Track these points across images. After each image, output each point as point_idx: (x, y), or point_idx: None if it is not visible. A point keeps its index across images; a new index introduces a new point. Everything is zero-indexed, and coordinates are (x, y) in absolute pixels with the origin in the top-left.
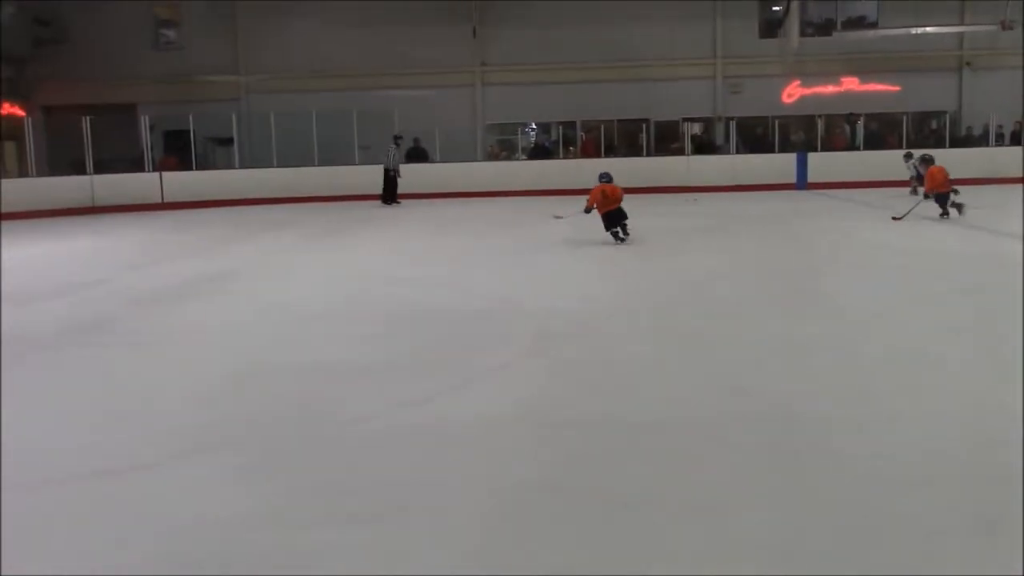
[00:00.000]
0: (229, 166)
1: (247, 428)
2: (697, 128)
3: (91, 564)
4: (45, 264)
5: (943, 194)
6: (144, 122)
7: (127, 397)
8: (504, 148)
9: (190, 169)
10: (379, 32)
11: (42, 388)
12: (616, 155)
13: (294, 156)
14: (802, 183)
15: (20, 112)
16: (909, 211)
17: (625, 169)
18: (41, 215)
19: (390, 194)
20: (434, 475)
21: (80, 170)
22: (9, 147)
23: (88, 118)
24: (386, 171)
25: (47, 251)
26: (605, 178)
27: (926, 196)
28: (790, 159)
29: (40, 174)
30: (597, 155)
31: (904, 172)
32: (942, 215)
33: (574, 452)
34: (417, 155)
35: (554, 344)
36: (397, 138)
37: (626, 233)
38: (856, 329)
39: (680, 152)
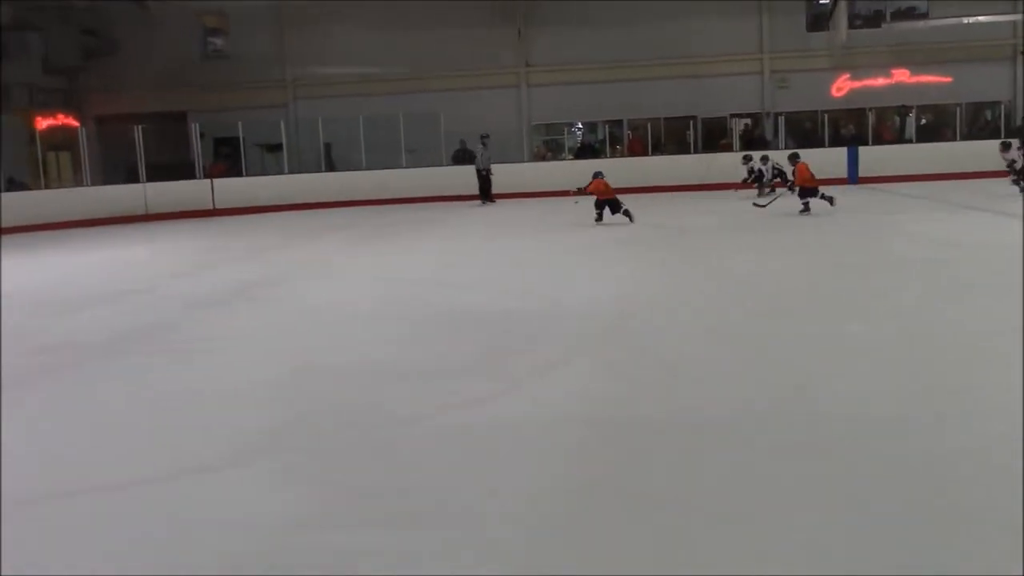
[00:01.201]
0: (278, 172)
1: (297, 431)
2: (745, 124)
3: (148, 565)
4: (100, 271)
5: (810, 189)
6: (194, 130)
7: (179, 401)
8: (551, 148)
9: (240, 175)
10: (424, 35)
11: (96, 394)
12: (663, 152)
13: (341, 160)
14: (853, 178)
15: (74, 123)
16: (770, 201)
17: (673, 166)
18: (96, 223)
19: (485, 193)
20: (485, 477)
21: (133, 178)
22: (64, 157)
23: (140, 127)
24: (478, 171)
25: (101, 258)
26: (600, 174)
27: (791, 190)
28: (841, 153)
29: (94, 183)
30: (644, 153)
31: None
32: (802, 211)
33: (626, 453)
34: (464, 157)
35: (604, 343)
36: (484, 137)
37: (631, 216)
38: (915, 325)
39: (728, 148)
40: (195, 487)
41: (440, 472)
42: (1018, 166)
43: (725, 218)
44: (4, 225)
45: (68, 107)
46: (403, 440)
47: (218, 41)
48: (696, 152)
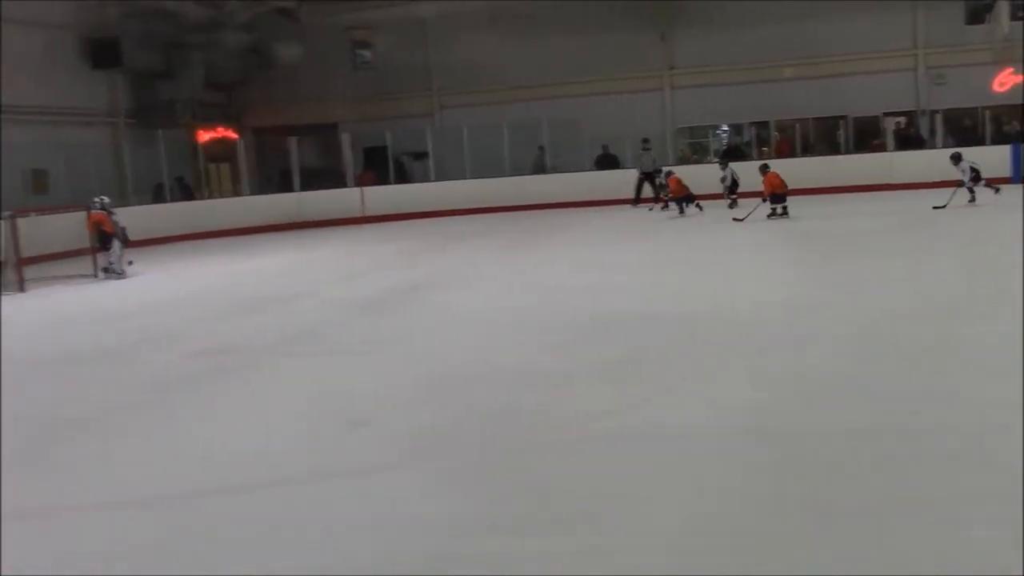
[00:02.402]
0: (424, 179)
1: (455, 434)
2: (898, 122)
3: (311, 564)
4: (258, 277)
5: (779, 195)
6: (345, 140)
7: (336, 404)
8: (695, 151)
9: (388, 183)
10: (566, 41)
11: (259, 395)
12: (812, 154)
13: (486, 168)
14: (1017, 176)
15: (233, 135)
16: (749, 213)
17: (823, 169)
18: (253, 231)
19: (654, 195)
20: (638, 483)
21: (287, 187)
22: (223, 169)
23: (294, 138)
24: (644, 174)
25: (258, 265)
26: (671, 173)
27: (763, 199)
28: (1004, 152)
29: (251, 192)
30: (792, 155)
31: None
32: (769, 215)
33: (786, 463)
34: (607, 162)
35: (756, 352)
36: (645, 141)
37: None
38: None
39: (882, 148)
40: (356, 487)
41: (597, 477)
42: None
43: (882, 219)
44: (173, 233)
45: (227, 121)
46: (560, 445)
47: (366, 54)
48: (847, 153)
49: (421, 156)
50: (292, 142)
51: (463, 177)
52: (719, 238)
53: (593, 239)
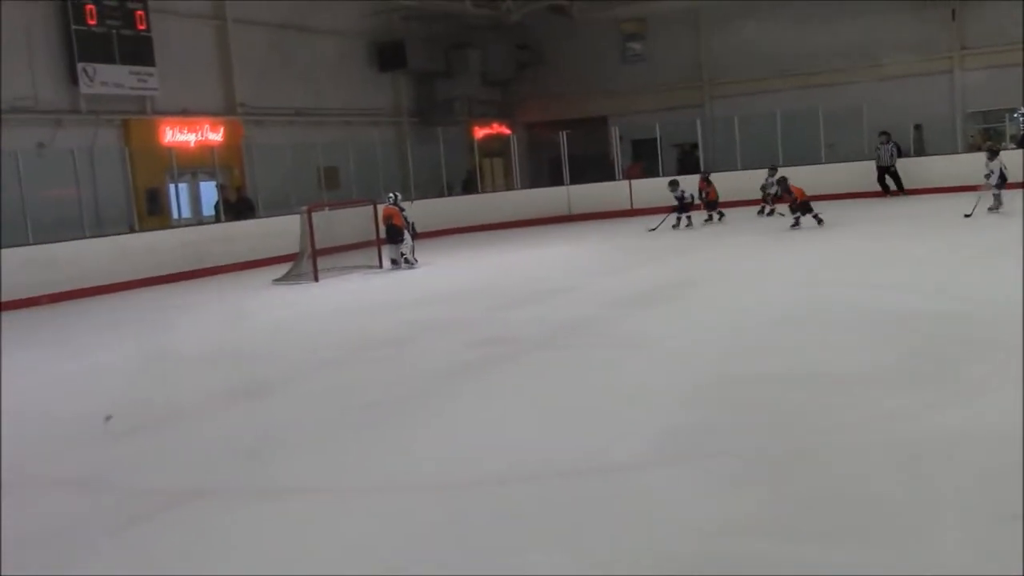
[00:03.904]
0: (695, 171)
1: (729, 434)
2: None
3: (584, 553)
4: (532, 269)
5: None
6: (614, 133)
7: (605, 397)
8: (989, 137)
9: (656, 176)
10: (845, 25)
11: (534, 386)
12: None
13: (758, 158)
14: None
15: (506, 131)
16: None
17: None
18: (525, 224)
19: (894, 187)
20: (923, 493)
21: (557, 181)
22: (497, 163)
23: (564, 132)
24: (883, 168)
25: (532, 257)
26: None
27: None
28: None
29: (523, 186)
30: None
31: None
32: (793, 226)
33: None
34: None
35: None
36: (883, 134)
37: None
38: None
39: None
40: (626, 482)
41: (884, 485)
42: None
43: None
44: (452, 226)
45: (501, 117)
46: (845, 448)
47: (637, 46)
48: None
49: (691, 148)
50: (562, 136)
51: (734, 168)
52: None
53: (870, 232)
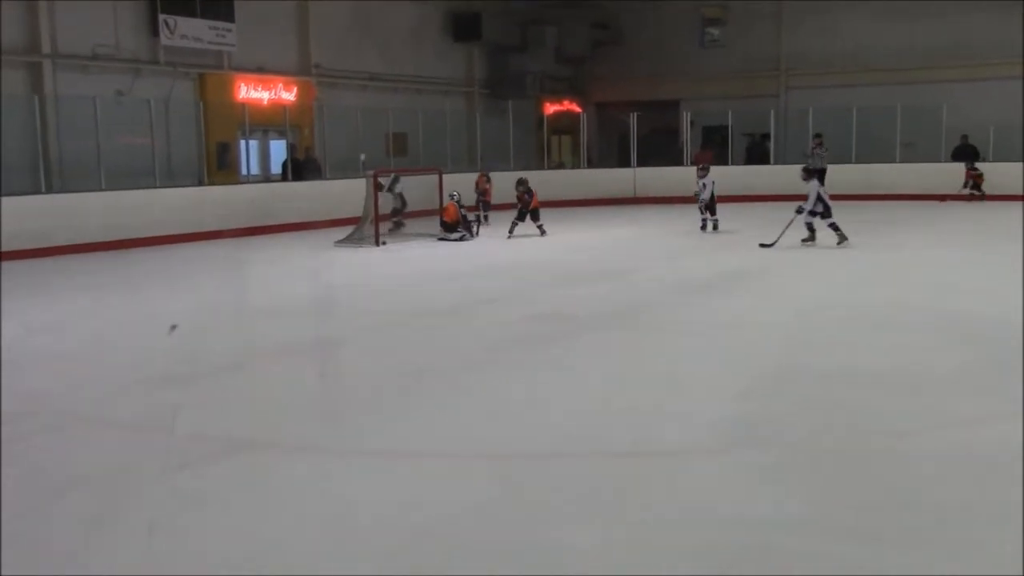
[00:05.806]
0: (764, 162)
1: (782, 428)
2: None
3: (619, 538)
4: (594, 248)
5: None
6: (685, 117)
7: (659, 381)
8: None
9: (726, 164)
10: (931, 21)
11: (583, 363)
12: None
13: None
14: None
15: (577, 109)
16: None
17: None
18: (591, 203)
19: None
20: (980, 505)
21: (625, 162)
22: (565, 141)
23: (635, 114)
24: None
25: (591, 236)
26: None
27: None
28: None
29: (591, 166)
30: None
31: None
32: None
33: None
34: (964, 154)
35: None
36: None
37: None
38: None
39: None
40: (672, 467)
41: (941, 492)
42: None
43: None
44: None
45: (573, 94)
46: (901, 453)
47: (716, 32)
48: None
49: (763, 138)
50: (632, 117)
51: (802, 162)
52: None
53: (945, 237)
